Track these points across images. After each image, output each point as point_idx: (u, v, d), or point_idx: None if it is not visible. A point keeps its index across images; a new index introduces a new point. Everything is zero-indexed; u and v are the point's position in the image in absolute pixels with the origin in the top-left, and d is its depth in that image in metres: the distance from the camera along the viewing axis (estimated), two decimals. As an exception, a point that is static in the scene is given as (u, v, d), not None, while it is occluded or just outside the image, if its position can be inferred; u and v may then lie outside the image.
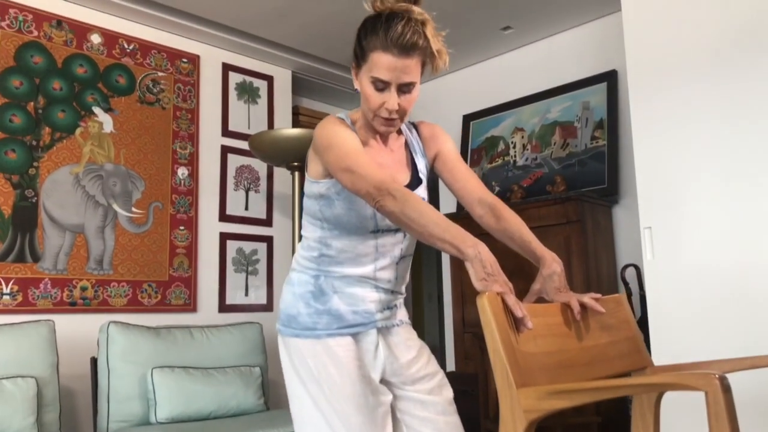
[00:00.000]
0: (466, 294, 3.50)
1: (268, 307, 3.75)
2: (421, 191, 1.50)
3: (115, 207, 3.23)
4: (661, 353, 2.21)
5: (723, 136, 2.18)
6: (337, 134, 1.38)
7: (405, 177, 1.50)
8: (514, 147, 3.76)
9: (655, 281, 2.30)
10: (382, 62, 1.33)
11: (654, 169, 2.34)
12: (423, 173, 1.53)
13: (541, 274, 1.31)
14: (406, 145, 1.55)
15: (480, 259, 1.13)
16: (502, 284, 1.12)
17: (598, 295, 1.30)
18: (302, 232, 1.53)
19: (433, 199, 1.52)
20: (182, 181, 3.50)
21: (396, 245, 1.48)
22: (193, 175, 3.54)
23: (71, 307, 3.01)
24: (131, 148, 3.32)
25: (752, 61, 2.13)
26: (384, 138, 1.50)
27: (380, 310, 1.48)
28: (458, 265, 3.54)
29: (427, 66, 1.39)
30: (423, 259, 5.98)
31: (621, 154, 3.32)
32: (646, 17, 2.41)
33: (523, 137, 3.73)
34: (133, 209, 3.29)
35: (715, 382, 0.74)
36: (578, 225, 3.07)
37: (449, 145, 1.57)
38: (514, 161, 3.74)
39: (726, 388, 0.76)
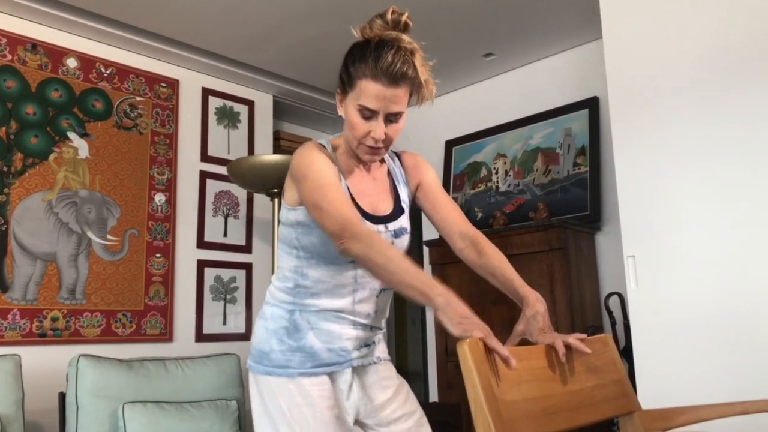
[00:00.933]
0: (449, 322, 3.44)
1: (246, 336, 3.66)
2: (404, 220, 1.46)
3: (90, 234, 3.14)
4: (646, 382, 2.17)
5: (706, 164, 2.16)
6: (312, 165, 1.34)
7: (388, 205, 1.46)
8: (497, 173, 3.74)
9: (639, 310, 2.27)
10: (371, 91, 1.29)
11: (637, 196, 2.32)
12: (406, 202, 1.49)
13: (525, 315, 1.26)
14: (389, 173, 1.51)
15: (451, 308, 1.09)
16: (481, 328, 1.07)
17: (584, 336, 1.26)
18: (279, 263, 1.48)
19: (415, 225, 1.48)
20: (159, 208, 3.42)
21: None
22: (171, 201, 3.47)
23: (41, 338, 2.90)
24: (107, 173, 3.25)
25: (734, 88, 2.13)
26: (367, 165, 1.46)
27: (357, 347, 1.43)
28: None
29: (413, 96, 1.36)
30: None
31: (603, 180, 3.31)
32: (627, 44, 2.41)
33: (505, 163, 3.72)
34: (108, 236, 3.20)
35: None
36: (561, 252, 3.04)
37: (431, 176, 1.53)
38: (497, 187, 3.71)
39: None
